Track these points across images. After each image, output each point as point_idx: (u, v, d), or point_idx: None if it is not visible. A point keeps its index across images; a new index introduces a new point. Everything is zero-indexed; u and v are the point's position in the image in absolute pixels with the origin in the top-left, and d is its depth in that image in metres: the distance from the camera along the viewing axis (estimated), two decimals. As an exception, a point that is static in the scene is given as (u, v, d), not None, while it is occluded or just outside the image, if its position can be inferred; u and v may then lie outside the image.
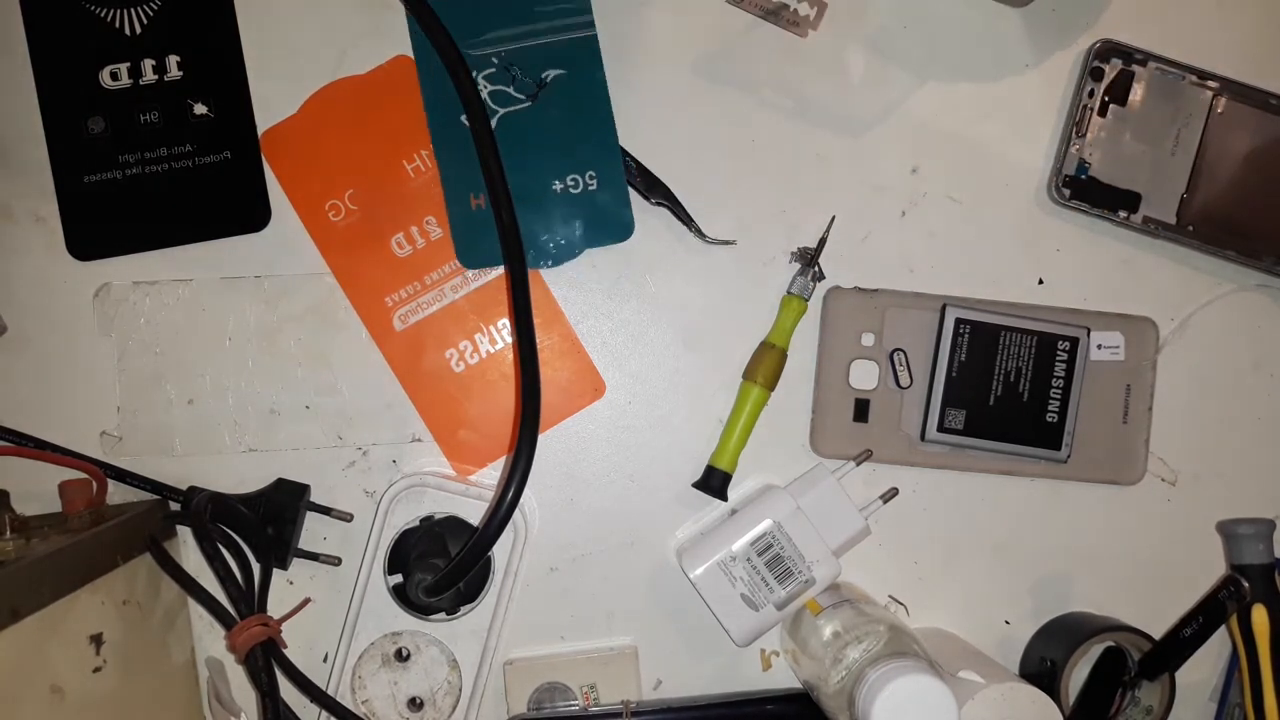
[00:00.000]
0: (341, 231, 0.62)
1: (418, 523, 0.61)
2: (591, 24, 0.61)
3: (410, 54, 0.61)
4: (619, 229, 0.62)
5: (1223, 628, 0.59)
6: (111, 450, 0.61)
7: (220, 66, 0.61)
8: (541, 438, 0.59)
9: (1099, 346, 0.63)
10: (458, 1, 0.60)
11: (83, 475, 0.59)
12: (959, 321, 0.61)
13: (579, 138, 0.61)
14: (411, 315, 0.62)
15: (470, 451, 0.62)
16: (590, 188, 0.61)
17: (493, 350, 0.62)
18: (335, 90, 0.61)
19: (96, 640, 0.53)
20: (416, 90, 0.61)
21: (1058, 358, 0.62)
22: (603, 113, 0.61)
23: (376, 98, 0.61)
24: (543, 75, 0.60)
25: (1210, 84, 0.61)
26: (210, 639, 0.63)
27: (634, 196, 0.62)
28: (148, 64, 0.61)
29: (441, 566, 0.59)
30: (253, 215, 0.62)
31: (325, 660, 0.62)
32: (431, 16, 0.59)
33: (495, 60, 0.61)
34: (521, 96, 0.61)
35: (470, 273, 0.62)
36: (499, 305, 0.62)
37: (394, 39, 0.61)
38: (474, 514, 0.61)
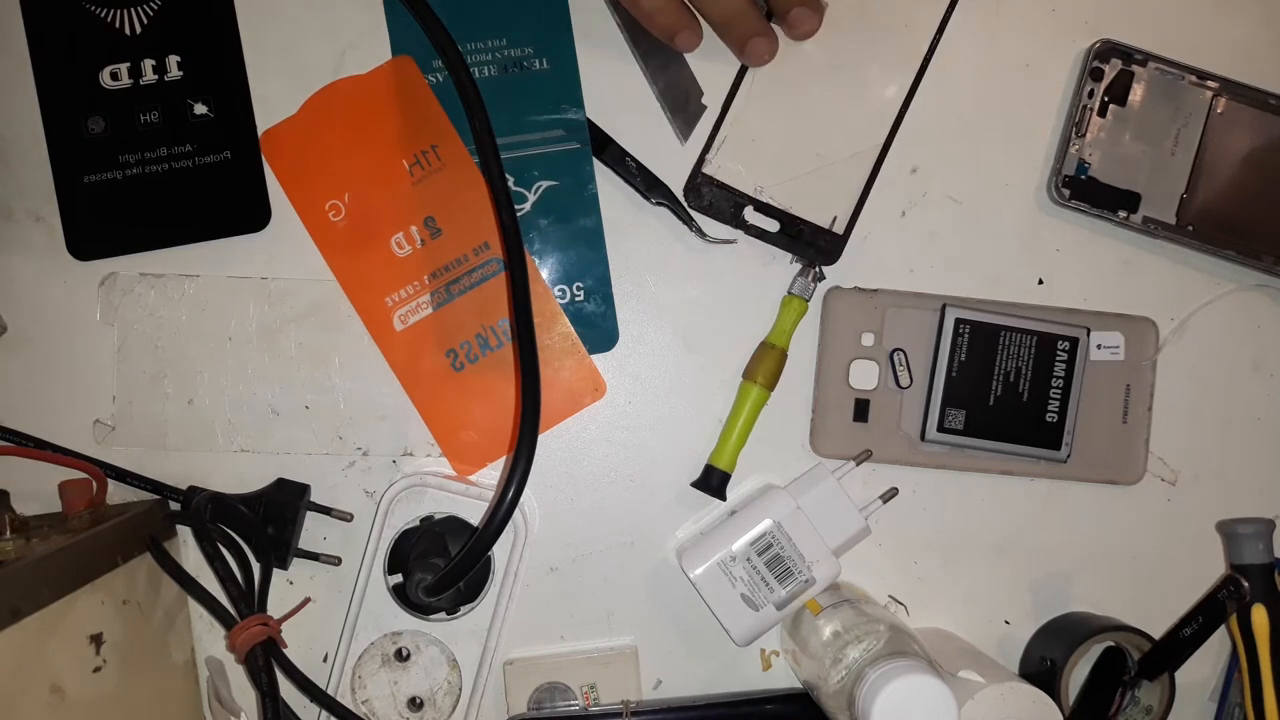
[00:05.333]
0: (341, 232, 0.62)
1: (418, 523, 0.61)
2: (586, 138, 0.61)
3: (409, 54, 0.61)
4: (604, 339, 0.63)
5: (1223, 628, 0.59)
6: (104, 439, 0.61)
7: (220, 66, 0.61)
8: (541, 438, 0.59)
9: (1099, 346, 0.63)
10: (455, 105, 0.60)
11: (83, 475, 0.59)
12: (959, 321, 0.61)
13: (568, 249, 0.62)
14: (411, 315, 0.62)
15: (470, 451, 0.62)
16: (577, 298, 0.62)
17: (493, 350, 0.62)
18: (335, 91, 0.61)
19: (96, 640, 0.53)
20: (416, 90, 0.61)
21: (1057, 358, 0.62)
22: (593, 225, 0.62)
23: (376, 98, 0.61)
24: (535, 185, 0.61)
25: (1210, 84, 0.61)
26: (210, 639, 0.63)
27: (634, 196, 0.62)
28: (148, 64, 0.61)
29: (441, 566, 0.59)
30: (253, 215, 0.62)
31: (325, 660, 0.62)
32: (433, 17, 0.59)
33: None
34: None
35: (471, 273, 0.62)
36: (499, 305, 0.62)
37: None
38: (474, 514, 0.61)
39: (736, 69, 0.61)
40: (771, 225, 0.61)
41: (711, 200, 0.61)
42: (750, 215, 0.61)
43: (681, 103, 0.61)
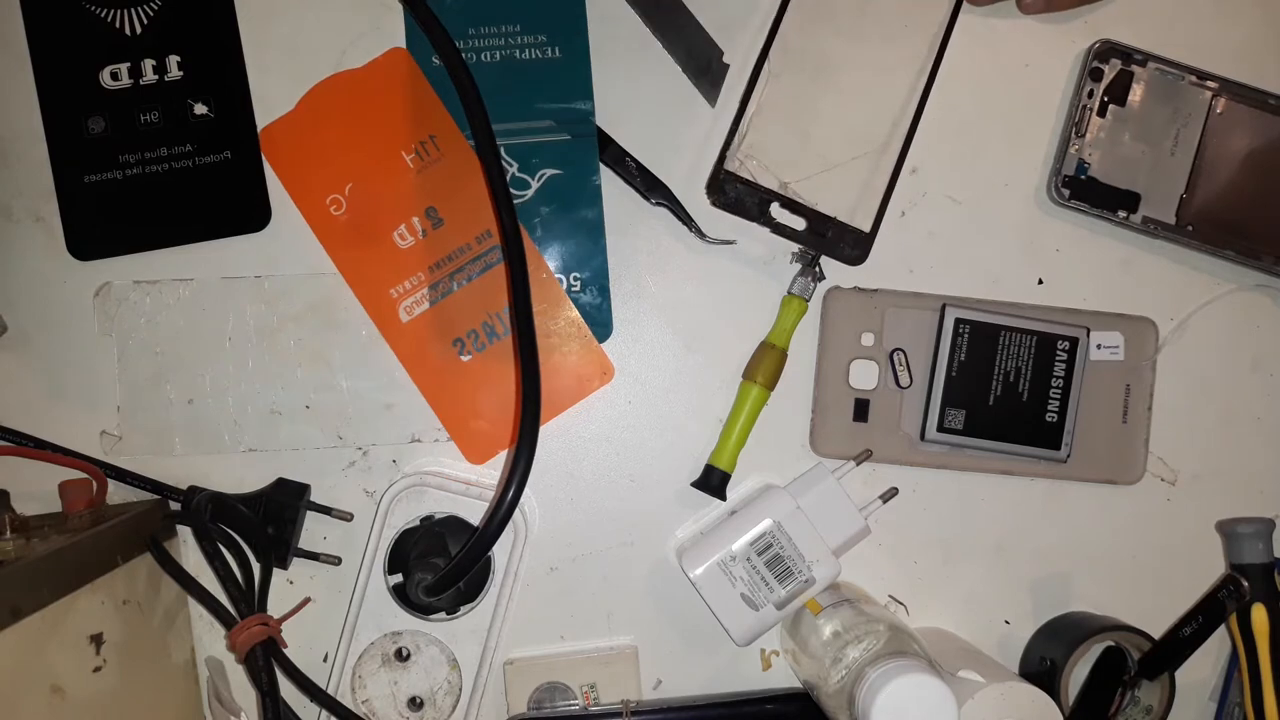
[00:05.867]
0: (343, 225, 0.62)
1: (418, 523, 0.61)
2: (592, 129, 0.61)
3: (404, 46, 0.61)
4: (599, 331, 0.62)
5: (1222, 627, 0.59)
6: (111, 450, 0.61)
7: (220, 66, 0.61)
8: (543, 435, 0.59)
9: (1099, 346, 0.63)
10: (451, 94, 0.60)
11: (83, 475, 0.59)
12: (959, 321, 0.61)
13: (568, 238, 0.62)
14: (417, 306, 0.62)
15: (482, 440, 0.62)
16: (574, 288, 0.62)
17: (499, 338, 0.62)
18: (331, 85, 0.61)
19: (96, 640, 0.53)
20: (412, 82, 0.61)
21: (1057, 358, 0.62)
22: (594, 216, 0.62)
23: (372, 91, 0.61)
24: (539, 172, 0.61)
25: (1210, 84, 0.61)
26: (210, 639, 0.63)
27: (634, 196, 0.62)
28: (148, 64, 0.61)
29: (441, 566, 0.59)
30: (253, 215, 0.62)
31: (325, 660, 0.62)
32: (430, 15, 0.59)
33: None
34: (515, 191, 0.61)
35: (473, 261, 0.62)
36: (503, 293, 0.61)
37: (394, 38, 0.61)
38: (474, 514, 0.61)
39: (749, 42, 0.61)
40: (798, 223, 0.61)
41: (736, 196, 0.61)
42: (777, 212, 0.61)
43: (705, 66, 0.61)
